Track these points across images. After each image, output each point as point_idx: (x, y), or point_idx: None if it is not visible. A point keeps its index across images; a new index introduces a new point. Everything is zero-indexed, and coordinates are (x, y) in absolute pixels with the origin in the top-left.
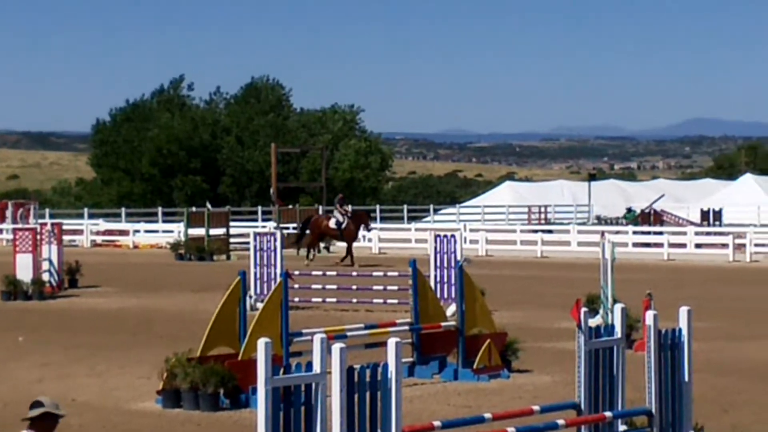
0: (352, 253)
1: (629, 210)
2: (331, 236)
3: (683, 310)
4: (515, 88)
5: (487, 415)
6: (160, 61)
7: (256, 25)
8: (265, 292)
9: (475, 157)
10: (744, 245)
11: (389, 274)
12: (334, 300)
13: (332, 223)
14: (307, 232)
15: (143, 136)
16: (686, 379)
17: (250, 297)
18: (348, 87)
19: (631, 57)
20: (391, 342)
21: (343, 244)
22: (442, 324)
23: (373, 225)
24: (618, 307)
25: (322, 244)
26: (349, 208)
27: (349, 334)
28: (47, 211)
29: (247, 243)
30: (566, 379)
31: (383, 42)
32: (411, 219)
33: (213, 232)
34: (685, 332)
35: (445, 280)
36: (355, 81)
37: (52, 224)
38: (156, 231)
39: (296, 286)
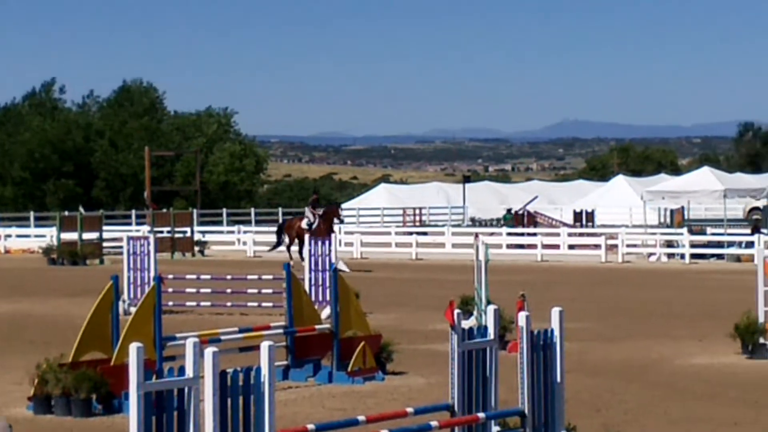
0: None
1: (509, 211)
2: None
3: (555, 311)
4: (390, 90)
5: (361, 418)
6: (30, 64)
7: (129, 28)
8: (139, 296)
9: (350, 159)
10: (616, 246)
11: (264, 277)
12: (208, 304)
13: (304, 224)
14: (284, 236)
15: (14, 140)
16: (558, 379)
17: (123, 301)
18: (222, 90)
19: (504, 59)
20: (264, 345)
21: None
22: (317, 327)
23: (246, 228)
24: (491, 308)
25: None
26: (320, 210)
27: (223, 337)
28: None
29: (121, 247)
30: (440, 381)
31: (258, 45)
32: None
33: (86, 236)
34: (557, 333)
35: (320, 282)
36: (230, 84)
37: None
38: (28, 236)
39: (170, 290)
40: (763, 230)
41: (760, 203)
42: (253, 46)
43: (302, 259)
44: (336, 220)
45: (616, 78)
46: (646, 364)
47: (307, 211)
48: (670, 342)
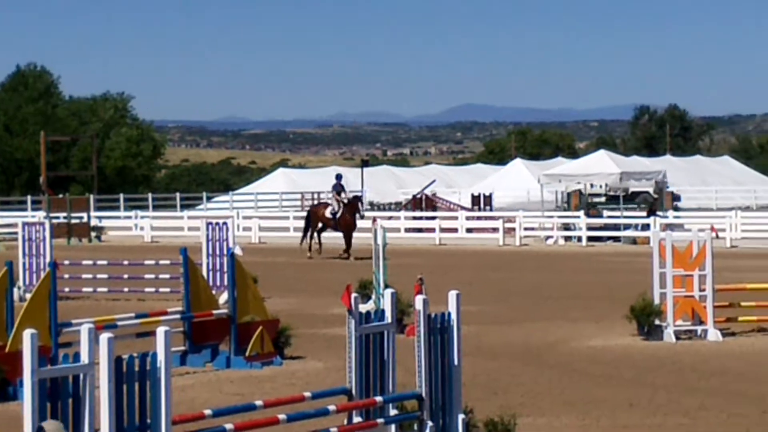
0: (350, 244)
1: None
2: (329, 226)
3: (452, 294)
4: (288, 75)
5: (259, 403)
6: None
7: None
8: (34, 282)
9: (249, 144)
10: (514, 229)
11: (161, 262)
12: (105, 290)
13: (328, 213)
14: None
15: None
16: (456, 362)
17: (19, 288)
18: (119, 75)
19: (403, 43)
20: (160, 331)
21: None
22: (214, 312)
23: (144, 214)
24: (388, 292)
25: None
26: (345, 195)
27: (119, 323)
28: None
29: (16, 233)
30: (338, 365)
31: (155, 29)
32: (184, 207)
33: None
34: (454, 316)
35: (218, 267)
36: (127, 69)
37: None
38: None
39: (66, 276)
40: (659, 213)
41: (581, 187)
42: (150, 30)
43: (310, 247)
44: (357, 215)
45: (513, 62)
46: (543, 347)
47: (332, 198)
48: (567, 324)
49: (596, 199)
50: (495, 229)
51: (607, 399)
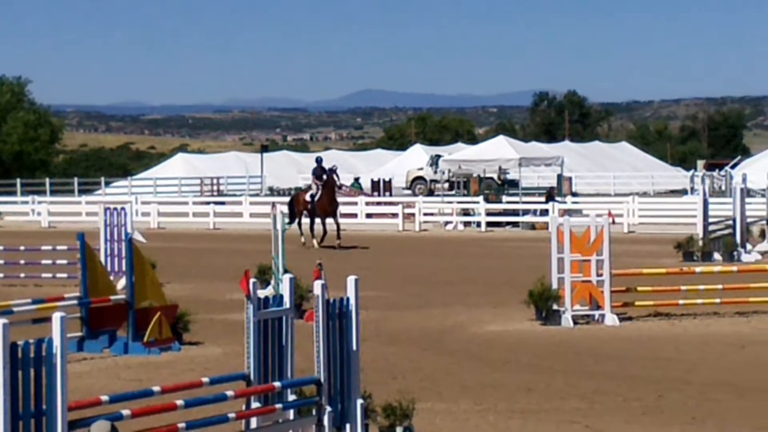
0: (326, 231)
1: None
2: (308, 212)
3: (350, 280)
4: (187, 59)
5: (156, 389)
6: None
7: None
8: None
9: (148, 129)
10: (413, 215)
11: (58, 248)
12: (1, 275)
13: (308, 197)
14: (295, 212)
15: None
16: (354, 347)
17: None
18: (16, 58)
19: (302, 28)
20: (56, 316)
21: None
22: (112, 298)
23: (41, 199)
24: (287, 277)
25: None
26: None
27: (15, 309)
28: None
29: None
30: (237, 351)
31: (53, 12)
32: (82, 192)
33: None
34: (352, 301)
35: (116, 253)
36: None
37: None
38: None
39: None
40: (558, 198)
41: (422, 173)
42: (48, 13)
43: (311, 235)
44: (337, 188)
45: (413, 48)
46: (442, 332)
47: (312, 182)
48: (466, 309)
49: (438, 185)
50: (395, 215)
51: (505, 383)
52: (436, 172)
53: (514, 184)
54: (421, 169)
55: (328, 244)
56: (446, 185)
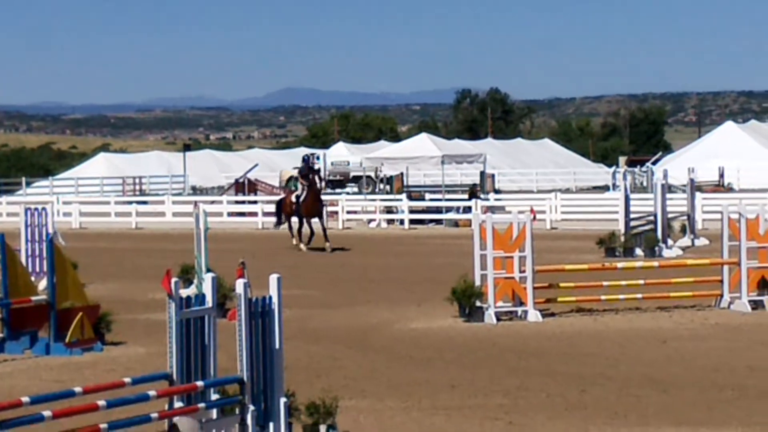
0: (313, 232)
1: (294, 178)
2: (294, 213)
3: (273, 278)
4: (108, 59)
5: (78, 389)
6: None
7: None
8: None
9: (69, 128)
10: (337, 212)
11: None
12: None
13: (293, 198)
14: (283, 216)
15: None
16: (277, 346)
17: None
18: None
19: (223, 27)
20: None
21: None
22: (33, 298)
23: None
24: (209, 276)
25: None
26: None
27: None
28: None
29: None
30: (160, 350)
31: None
32: (3, 192)
33: None
34: (275, 300)
35: (37, 253)
36: None
37: None
38: None
39: None
40: (481, 196)
41: (294, 173)
42: None
43: (299, 237)
44: (319, 184)
45: (336, 45)
46: (366, 330)
47: (298, 182)
48: (390, 307)
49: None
50: None
51: (428, 381)
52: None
53: (389, 181)
54: (297, 168)
55: (317, 246)
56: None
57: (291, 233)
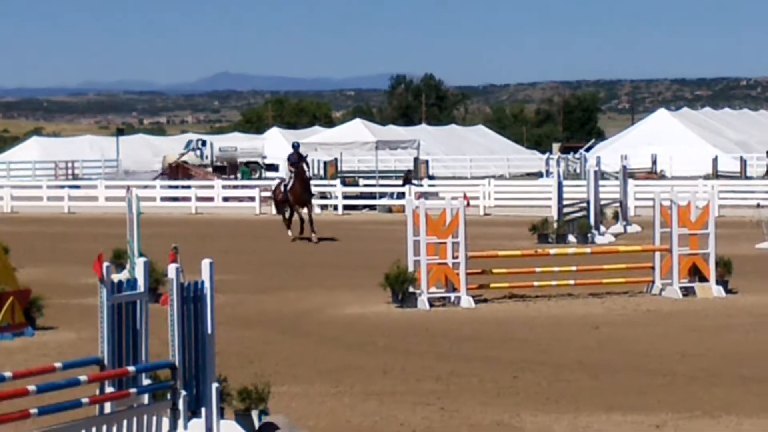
0: (303, 219)
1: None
2: (285, 203)
3: (205, 263)
4: (41, 41)
5: (8, 374)
6: None
7: None
8: None
9: (1, 112)
10: (270, 198)
11: None
12: None
13: (282, 187)
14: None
15: None
16: (209, 331)
17: None
18: None
19: (158, 11)
20: None
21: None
22: None
23: None
24: (141, 261)
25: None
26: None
27: None
28: None
29: None
30: (92, 335)
31: None
32: None
33: None
34: (207, 285)
35: None
36: None
37: None
38: None
39: None
40: (414, 182)
41: (185, 158)
42: None
43: (288, 226)
44: (308, 172)
45: (271, 30)
46: (299, 315)
47: (287, 171)
48: (323, 292)
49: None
50: (252, 198)
51: (361, 366)
52: (199, 157)
53: (273, 168)
54: (183, 153)
55: (307, 236)
56: (210, 169)
57: (285, 224)
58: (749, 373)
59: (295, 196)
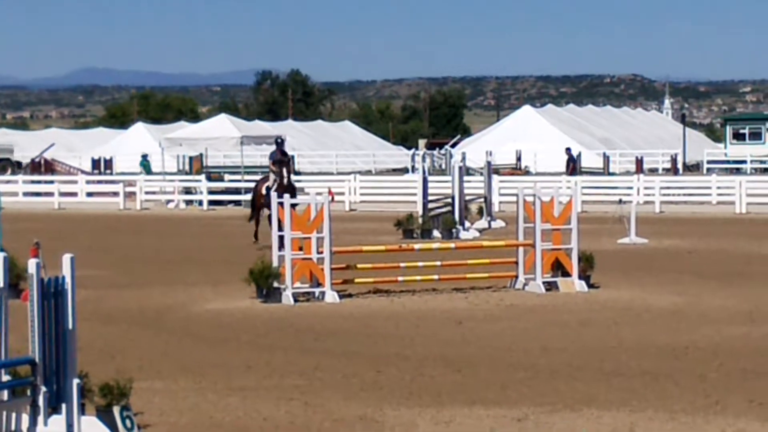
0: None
1: (144, 157)
2: (267, 206)
3: (66, 258)
4: None
5: None
6: None
7: None
8: None
9: None
10: (135, 193)
11: None
12: None
13: (263, 190)
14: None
15: None
16: (70, 327)
17: None
18: None
19: (20, 4)
20: None
21: None
22: None
23: None
24: (1, 255)
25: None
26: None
27: None
28: None
29: None
30: None
31: None
32: None
33: None
34: (68, 280)
35: None
36: None
37: None
38: None
39: None
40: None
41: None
42: None
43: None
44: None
45: (136, 25)
46: (162, 311)
47: (270, 171)
48: (187, 288)
49: None
50: (116, 193)
51: (224, 362)
52: None
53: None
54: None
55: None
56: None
57: (256, 228)
58: (610, 367)
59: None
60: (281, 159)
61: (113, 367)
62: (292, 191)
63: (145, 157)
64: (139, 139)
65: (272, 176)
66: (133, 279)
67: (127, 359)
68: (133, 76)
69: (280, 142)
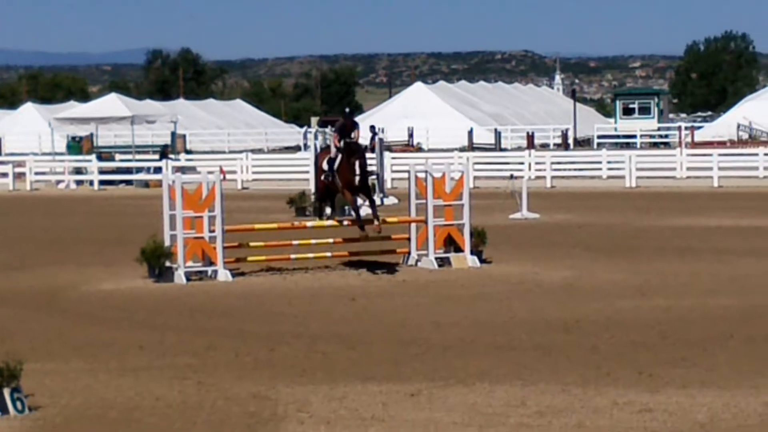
0: (358, 214)
1: (73, 139)
2: (328, 185)
3: None
4: None
5: None
6: None
7: None
8: None
9: None
10: (24, 174)
11: None
12: None
13: (324, 164)
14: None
15: None
16: None
17: None
18: None
19: None
20: None
21: None
22: None
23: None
24: None
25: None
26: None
27: None
28: None
29: None
30: None
31: None
32: None
33: None
34: None
35: None
36: None
37: None
38: None
39: None
40: (171, 156)
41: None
42: None
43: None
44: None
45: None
46: (53, 292)
47: (332, 143)
48: (78, 269)
49: None
50: (5, 174)
51: (117, 342)
52: None
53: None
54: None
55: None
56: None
57: (319, 212)
58: (502, 341)
59: (344, 179)
60: (349, 130)
61: (4, 350)
62: (365, 176)
63: (74, 138)
64: (29, 119)
65: (333, 150)
66: (23, 260)
67: (18, 341)
68: (20, 55)
69: (348, 114)
